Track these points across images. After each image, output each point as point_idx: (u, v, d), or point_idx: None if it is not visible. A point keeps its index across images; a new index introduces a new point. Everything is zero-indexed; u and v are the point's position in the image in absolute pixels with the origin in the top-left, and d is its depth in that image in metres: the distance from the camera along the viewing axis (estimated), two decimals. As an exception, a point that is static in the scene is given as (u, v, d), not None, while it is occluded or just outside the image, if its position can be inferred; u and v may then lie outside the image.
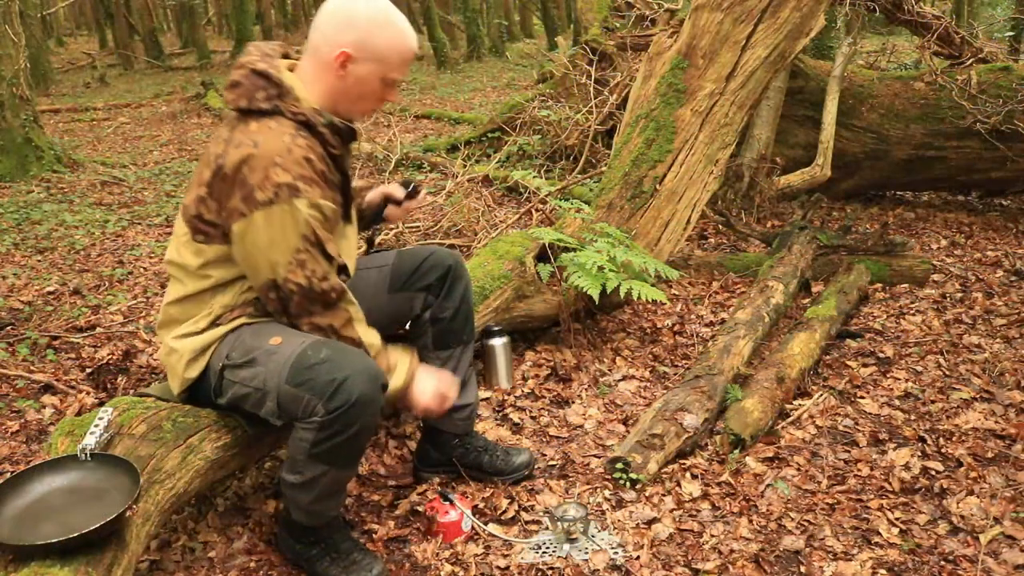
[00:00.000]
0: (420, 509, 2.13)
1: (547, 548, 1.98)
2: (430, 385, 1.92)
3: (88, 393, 2.77)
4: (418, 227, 4.49)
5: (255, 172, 1.63)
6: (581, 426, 2.59)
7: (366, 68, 1.73)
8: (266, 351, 1.72)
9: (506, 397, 2.74)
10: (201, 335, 1.81)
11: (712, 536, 2.03)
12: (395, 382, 1.84)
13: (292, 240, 1.67)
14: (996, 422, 2.50)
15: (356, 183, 2.16)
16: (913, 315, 3.38)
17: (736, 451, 2.36)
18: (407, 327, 2.19)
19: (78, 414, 2.63)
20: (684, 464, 2.32)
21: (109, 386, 2.79)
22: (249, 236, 1.67)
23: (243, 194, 1.65)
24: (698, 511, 2.13)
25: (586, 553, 1.96)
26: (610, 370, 2.95)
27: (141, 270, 4.26)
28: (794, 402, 2.67)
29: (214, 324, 1.81)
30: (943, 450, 2.37)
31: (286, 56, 1.83)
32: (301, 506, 1.82)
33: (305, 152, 1.68)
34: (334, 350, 1.69)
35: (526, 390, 2.80)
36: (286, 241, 1.67)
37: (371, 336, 1.83)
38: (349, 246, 1.93)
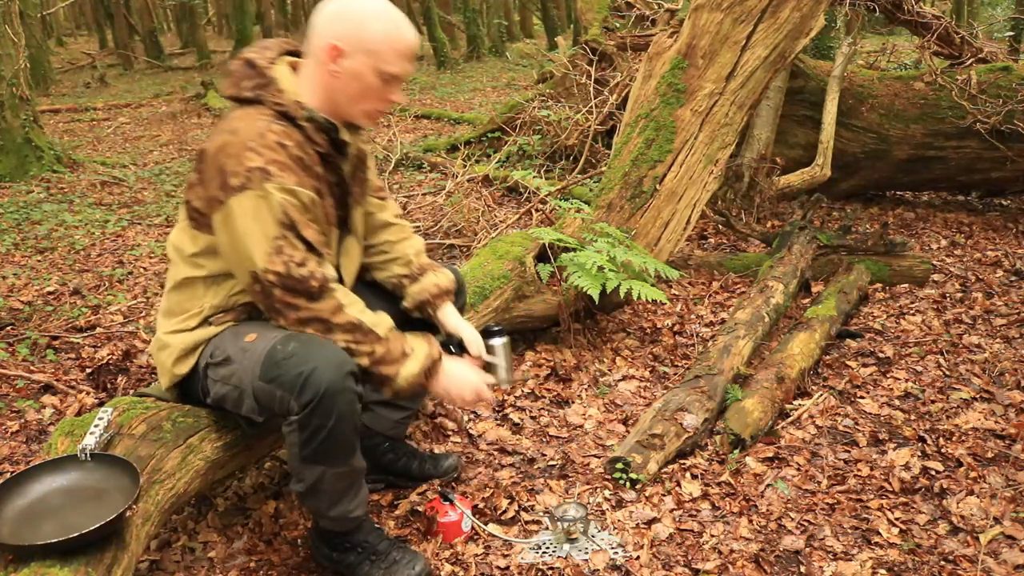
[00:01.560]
0: (420, 509, 2.13)
1: (547, 548, 1.98)
2: (460, 374, 1.86)
3: (88, 393, 2.77)
4: (418, 227, 4.49)
5: (230, 158, 1.63)
6: (581, 426, 2.59)
7: (358, 61, 1.68)
8: (241, 348, 1.72)
9: (506, 397, 2.74)
10: (192, 332, 1.81)
11: (712, 536, 2.03)
12: (411, 367, 1.75)
13: (267, 226, 1.62)
14: (996, 422, 2.50)
15: (438, 279, 2.06)
16: (913, 315, 3.38)
17: (736, 451, 2.36)
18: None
19: (78, 414, 2.63)
20: (684, 464, 2.32)
21: (109, 386, 2.79)
22: (228, 225, 1.65)
23: (219, 181, 1.65)
24: (698, 511, 2.13)
25: (586, 553, 1.96)
26: (610, 370, 2.95)
27: (141, 270, 4.26)
28: (794, 402, 2.67)
29: (205, 323, 1.80)
30: (943, 450, 2.37)
31: (293, 53, 1.80)
32: (324, 514, 1.80)
33: (279, 137, 1.65)
34: (301, 343, 1.66)
35: (526, 390, 2.80)
36: (261, 227, 1.62)
37: (375, 318, 1.74)
38: (350, 263, 1.91)
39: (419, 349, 1.79)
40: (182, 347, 1.81)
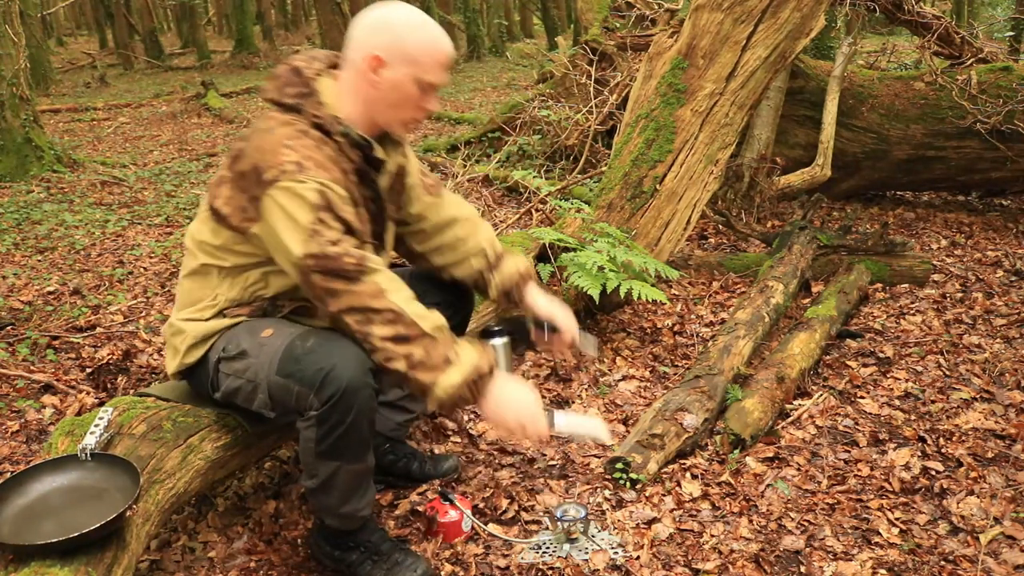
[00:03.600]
0: (420, 509, 2.13)
1: (547, 548, 1.98)
2: (515, 397, 1.72)
3: (88, 393, 2.77)
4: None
5: (266, 154, 1.63)
6: (581, 426, 2.59)
7: (399, 72, 1.68)
8: (258, 343, 1.72)
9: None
10: (206, 323, 1.81)
11: (712, 536, 2.03)
12: (452, 377, 1.61)
13: (302, 214, 1.59)
14: (996, 422, 2.50)
15: (516, 263, 2.03)
16: (913, 315, 3.38)
17: (736, 451, 2.36)
18: None
19: (78, 414, 2.63)
20: (684, 464, 2.32)
21: (109, 386, 2.79)
22: (266, 221, 1.64)
23: (255, 178, 1.64)
24: (698, 511, 2.13)
25: (586, 553, 1.96)
26: (610, 370, 2.95)
27: (141, 270, 4.26)
28: (794, 402, 2.67)
29: (219, 315, 1.81)
30: (943, 450, 2.37)
31: (335, 67, 1.80)
32: (332, 511, 1.80)
33: (315, 144, 1.66)
34: (322, 339, 1.66)
35: (526, 390, 2.80)
36: (295, 216, 1.59)
37: (422, 310, 1.64)
38: None
39: (467, 358, 1.65)
40: (194, 336, 1.82)
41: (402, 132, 1.82)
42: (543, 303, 2.04)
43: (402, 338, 1.61)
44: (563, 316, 2.01)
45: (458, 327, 2.07)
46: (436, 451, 2.43)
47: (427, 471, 2.25)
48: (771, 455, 2.37)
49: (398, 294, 1.63)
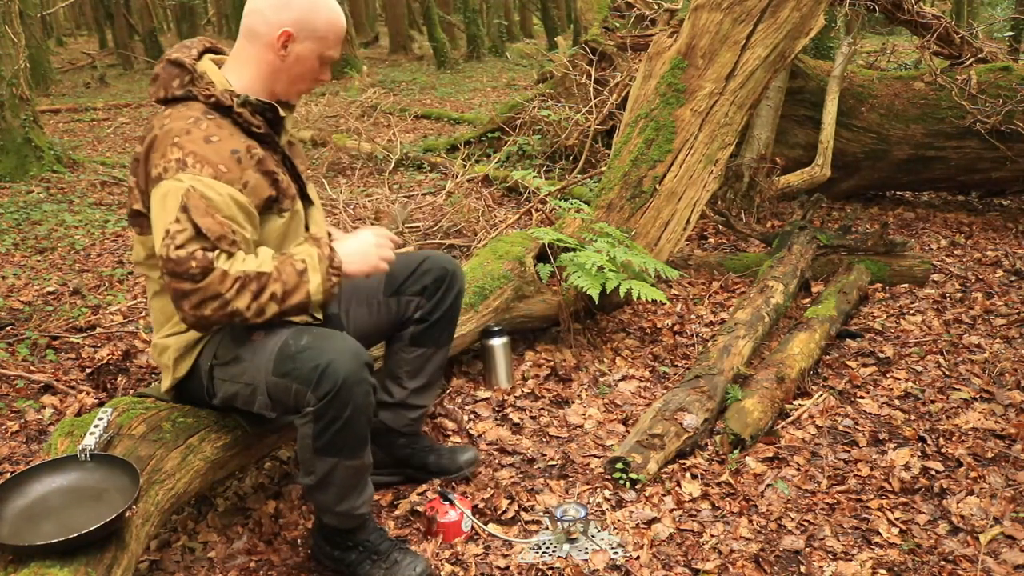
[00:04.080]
0: (420, 509, 2.13)
1: (547, 548, 1.98)
2: (357, 248, 1.81)
3: (88, 393, 2.77)
4: (418, 227, 4.49)
5: (156, 152, 1.67)
6: (581, 426, 2.59)
7: (306, 47, 1.75)
8: (251, 346, 1.74)
9: (506, 397, 2.74)
10: (185, 333, 1.82)
11: (712, 536, 2.03)
12: (315, 280, 1.69)
13: (170, 212, 1.62)
14: (996, 422, 2.50)
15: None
16: (913, 315, 3.38)
17: (736, 451, 2.36)
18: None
19: (78, 414, 2.63)
20: (684, 464, 2.32)
21: (109, 386, 2.79)
22: (151, 218, 1.68)
23: (146, 176, 1.70)
24: (698, 511, 2.13)
25: (586, 553, 1.96)
26: (610, 370, 2.95)
27: (141, 270, 4.25)
28: (794, 402, 2.67)
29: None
30: (943, 450, 2.37)
31: (211, 50, 1.85)
32: (330, 509, 1.80)
33: (207, 133, 1.68)
34: (314, 336, 1.69)
35: (526, 390, 2.80)
36: (166, 214, 1.62)
37: (256, 259, 1.67)
38: (319, 230, 1.93)
39: (310, 257, 1.71)
40: (178, 348, 1.83)
41: (295, 99, 1.86)
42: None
43: (258, 291, 1.65)
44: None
45: (443, 314, 2.13)
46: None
47: (444, 464, 2.25)
48: (771, 455, 2.37)
49: (239, 264, 1.64)
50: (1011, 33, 9.08)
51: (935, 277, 3.80)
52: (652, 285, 2.85)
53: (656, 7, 5.82)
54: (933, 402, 2.65)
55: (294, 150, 1.94)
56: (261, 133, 1.76)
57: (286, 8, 1.73)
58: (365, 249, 1.81)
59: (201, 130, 1.67)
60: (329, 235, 1.96)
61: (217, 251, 1.62)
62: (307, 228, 1.89)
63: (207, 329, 1.73)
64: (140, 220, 1.79)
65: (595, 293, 2.70)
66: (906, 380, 2.82)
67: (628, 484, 2.21)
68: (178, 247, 1.61)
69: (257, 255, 1.69)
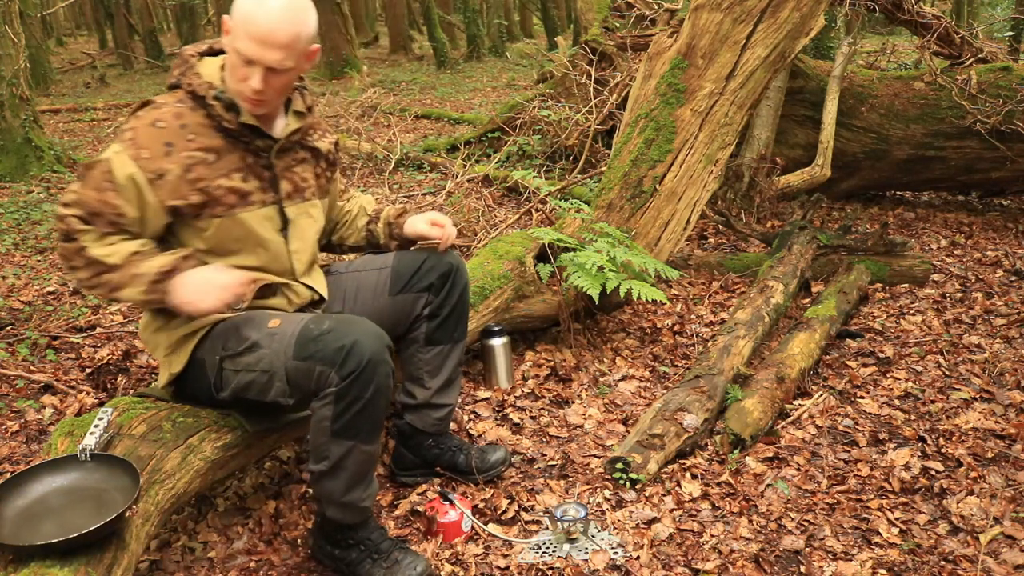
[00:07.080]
0: (420, 509, 2.13)
1: (547, 548, 1.98)
2: (199, 281, 1.73)
3: (88, 393, 2.77)
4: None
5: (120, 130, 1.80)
6: (581, 426, 2.59)
7: (232, 40, 1.73)
8: (267, 334, 1.75)
9: (506, 397, 2.74)
10: (170, 327, 1.85)
11: (712, 536, 2.03)
12: (137, 290, 1.72)
13: (84, 170, 1.74)
14: (996, 422, 2.50)
15: (393, 208, 2.21)
16: (913, 315, 3.38)
17: (736, 451, 2.36)
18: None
19: (78, 414, 2.63)
20: (684, 464, 2.32)
21: (109, 386, 2.79)
22: None
23: None
24: (698, 511, 2.13)
25: (586, 553, 1.96)
26: (610, 370, 2.95)
27: (141, 270, 4.25)
28: (794, 402, 2.67)
29: (174, 316, 1.83)
30: (943, 450, 2.37)
31: (217, 51, 1.88)
32: (336, 500, 1.80)
33: (165, 117, 1.74)
34: (336, 320, 1.73)
35: (526, 390, 2.80)
36: (85, 168, 1.74)
37: (108, 249, 1.72)
38: (301, 243, 1.97)
39: (150, 269, 1.72)
40: (168, 344, 1.86)
41: (246, 106, 1.79)
42: (418, 222, 2.15)
43: (96, 274, 1.72)
44: (428, 227, 2.14)
45: (452, 309, 2.13)
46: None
47: (474, 463, 2.24)
48: (771, 455, 2.37)
49: (96, 248, 1.72)
50: (1011, 33, 9.08)
51: (935, 277, 3.80)
52: (652, 285, 2.85)
53: (656, 7, 5.82)
54: (933, 402, 2.65)
55: (295, 157, 1.93)
56: (231, 129, 1.79)
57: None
58: (206, 289, 1.73)
59: (158, 114, 1.75)
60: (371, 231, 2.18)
61: (90, 226, 1.71)
62: (286, 238, 1.90)
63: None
64: None
65: (595, 293, 2.70)
66: (906, 380, 2.82)
67: (628, 484, 2.21)
68: (64, 204, 1.73)
69: (125, 245, 1.73)
